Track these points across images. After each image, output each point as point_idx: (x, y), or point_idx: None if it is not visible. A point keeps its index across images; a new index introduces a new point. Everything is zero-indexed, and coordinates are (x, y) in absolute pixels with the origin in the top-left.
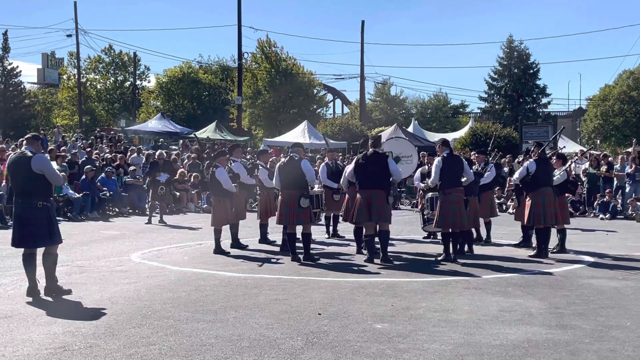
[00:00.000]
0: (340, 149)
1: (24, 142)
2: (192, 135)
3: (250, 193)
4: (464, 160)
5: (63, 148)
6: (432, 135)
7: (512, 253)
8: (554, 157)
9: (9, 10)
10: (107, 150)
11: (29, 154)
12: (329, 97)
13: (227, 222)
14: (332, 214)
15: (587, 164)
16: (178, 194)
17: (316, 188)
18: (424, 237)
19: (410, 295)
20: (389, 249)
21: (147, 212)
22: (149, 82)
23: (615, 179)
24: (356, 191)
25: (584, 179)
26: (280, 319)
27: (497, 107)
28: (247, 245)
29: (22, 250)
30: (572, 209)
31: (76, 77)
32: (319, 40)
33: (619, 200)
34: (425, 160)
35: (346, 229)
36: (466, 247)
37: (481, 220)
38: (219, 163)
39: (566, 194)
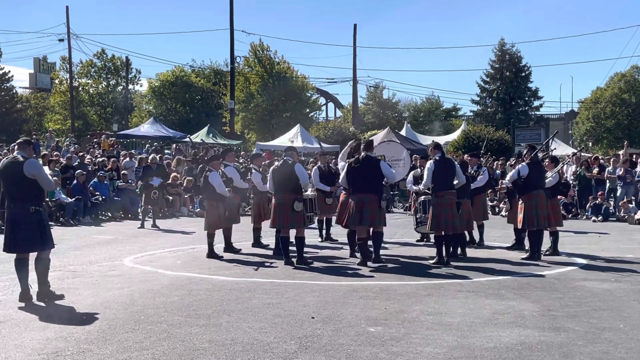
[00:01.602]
0: (334, 153)
1: (16, 146)
2: (187, 140)
3: (243, 197)
4: (456, 163)
5: (56, 153)
6: (424, 139)
7: (505, 256)
8: (546, 160)
9: (0, 15)
10: (98, 154)
11: (21, 158)
12: (322, 100)
13: (220, 226)
14: (324, 218)
15: (574, 167)
16: (171, 198)
17: (309, 192)
18: (417, 240)
19: (403, 299)
20: (382, 252)
21: (140, 217)
22: (140, 86)
23: (607, 181)
24: (349, 195)
25: (572, 181)
26: (274, 322)
27: (489, 110)
28: (240, 249)
29: (14, 255)
30: (564, 211)
31: (68, 81)
32: (312, 44)
33: (611, 203)
34: (418, 164)
35: (339, 232)
36: (459, 250)
37: (474, 223)
38: (212, 167)
39: (558, 196)
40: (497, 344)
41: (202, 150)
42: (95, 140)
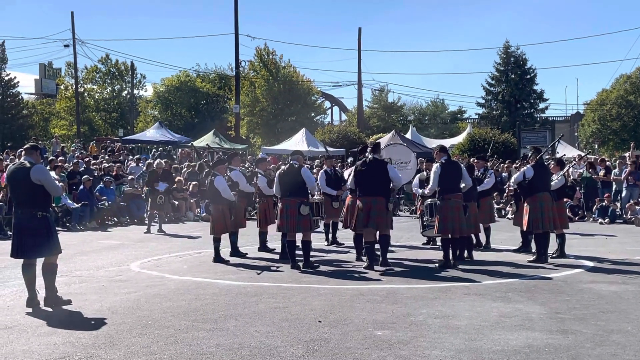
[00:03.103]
0: (339, 156)
1: (23, 152)
2: (190, 145)
3: (249, 201)
4: (462, 166)
5: (61, 158)
6: (430, 142)
7: (511, 258)
8: (552, 162)
9: (5, 21)
10: (103, 159)
11: (28, 164)
12: (327, 104)
13: (226, 231)
14: (331, 221)
15: (583, 169)
16: (177, 202)
17: (316, 196)
18: (424, 244)
19: (410, 302)
20: (389, 255)
21: (146, 222)
22: (145, 91)
23: (614, 183)
24: (356, 198)
25: (581, 184)
26: (281, 327)
27: (494, 112)
28: (247, 254)
29: (21, 261)
30: (571, 213)
31: (74, 87)
32: (316, 47)
33: (618, 205)
34: (424, 167)
35: (345, 236)
36: (466, 253)
37: (480, 226)
38: (217, 171)
39: (564, 199)
40: (505, 347)
41: (203, 155)
42: (102, 145)
